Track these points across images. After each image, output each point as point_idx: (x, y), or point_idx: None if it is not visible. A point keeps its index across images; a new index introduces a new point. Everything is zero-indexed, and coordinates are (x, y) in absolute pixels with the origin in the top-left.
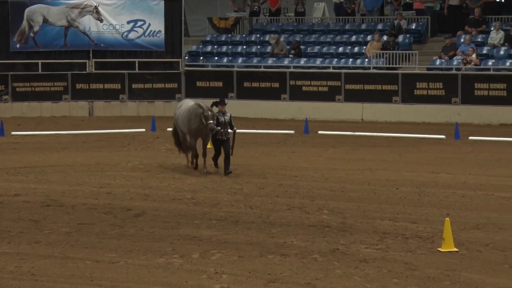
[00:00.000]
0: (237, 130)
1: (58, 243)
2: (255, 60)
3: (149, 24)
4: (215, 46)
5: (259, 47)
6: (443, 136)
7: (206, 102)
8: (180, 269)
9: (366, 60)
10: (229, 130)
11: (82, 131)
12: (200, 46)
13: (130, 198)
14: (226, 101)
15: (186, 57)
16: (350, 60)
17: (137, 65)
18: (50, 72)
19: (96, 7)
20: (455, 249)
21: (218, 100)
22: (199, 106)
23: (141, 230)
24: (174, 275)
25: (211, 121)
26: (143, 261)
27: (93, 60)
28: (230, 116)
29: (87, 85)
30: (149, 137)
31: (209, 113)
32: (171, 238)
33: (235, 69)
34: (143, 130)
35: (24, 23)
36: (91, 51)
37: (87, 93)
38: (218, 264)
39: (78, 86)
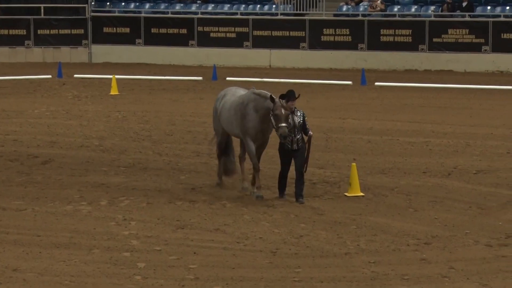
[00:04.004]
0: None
1: None
2: (162, 6)
3: None
4: None
5: None
6: (349, 82)
7: (116, 49)
8: (88, 216)
9: (274, 6)
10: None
11: None
12: None
13: (37, 145)
14: (296, 94)
15: (93, 3)
16: (258, 6)
17: (42, 10)
18: None
19: None
20: (361, 194)
21: (284, 93)
22: (265, 97)
23: (48, 178)
24: (82, 222)
25: (284, 124)
26: (50, 208)
27: None
28: (303, 116)
29: None
30: (56, 84)
31: (283, 111)
32: (78, 185)
33: (143, 15)
34: (49, 76)
35: None
36: None
37: None
38: (127, 211)
39: None
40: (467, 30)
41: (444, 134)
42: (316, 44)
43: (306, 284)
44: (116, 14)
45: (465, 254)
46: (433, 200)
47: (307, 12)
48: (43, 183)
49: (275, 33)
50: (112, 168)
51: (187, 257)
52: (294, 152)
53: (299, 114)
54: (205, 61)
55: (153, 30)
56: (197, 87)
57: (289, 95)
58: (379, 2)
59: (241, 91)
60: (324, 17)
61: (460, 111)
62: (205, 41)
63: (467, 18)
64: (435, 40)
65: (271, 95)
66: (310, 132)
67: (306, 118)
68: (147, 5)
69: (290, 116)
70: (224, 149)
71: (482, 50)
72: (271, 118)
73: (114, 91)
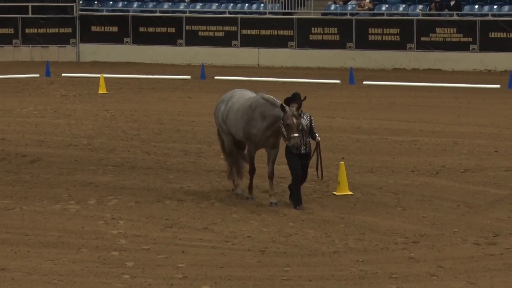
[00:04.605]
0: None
1: None
2: (150, 5)
3: None
4: None
5: None
6: (338, 81)
7: (104, 48)
8: (76, 215)
9: (262, 5)
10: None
11: None
12: None
13: (25, 144)
14: (302, 96)
15: (81, 1)
16: (246, 5)
17: (30, 9)
18: None
19: None
20: (350, 193)
21: (289, 96)
22: (273, 105)
23: (36, 177)
24: (71, 221)
25: (297, 134)
26: (38, 207)
27: None
28: (310, 118)
29: None
30: (44, 83)
31: (294, 120)
32: (67, 184)
33: (131, 13)
34: (37, 75)
35: None
36: None
37: None
38: (115, 210)
39: None
40: (455, 29)
41: (432, 133)
42: (305, 43)
43: (295, 283)
44: (104, 13)
45: (453, 252)
46: (421, 198)
47: (295, 11)
48: (31, 182)
49: (263, 32)
50: (100, 167)
51: (176, 256)
52: (303, 157)
53: (305, 117)
54: (193, 60)
55: (141, 29)
56: (186, 86)
57: (294, 98)
58: (367, 1)
59: (249, 93)
60: (312, 16)
61: (448, 110)
62: (193, 40)
63: (455, 17)
64: (423, 39)
65: (281, 104)
66: (318, 137)
67: (312, 121)
68: (135, 4)
69: (301, 124)
70: (235, 152)
71: (470, 49)
72: (282, 127)
73: (102, 90)
